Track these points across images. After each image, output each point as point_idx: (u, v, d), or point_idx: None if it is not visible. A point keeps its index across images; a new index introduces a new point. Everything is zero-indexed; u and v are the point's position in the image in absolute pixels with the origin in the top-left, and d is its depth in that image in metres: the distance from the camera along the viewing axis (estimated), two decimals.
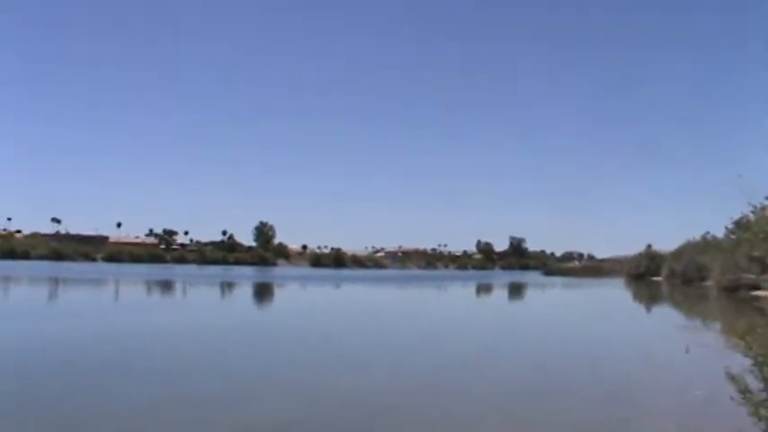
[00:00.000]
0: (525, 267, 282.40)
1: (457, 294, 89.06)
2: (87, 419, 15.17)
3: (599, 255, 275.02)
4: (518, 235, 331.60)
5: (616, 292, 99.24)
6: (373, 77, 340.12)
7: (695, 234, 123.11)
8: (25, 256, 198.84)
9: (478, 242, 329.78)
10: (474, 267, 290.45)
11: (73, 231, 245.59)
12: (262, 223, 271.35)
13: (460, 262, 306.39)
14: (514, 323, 47.31)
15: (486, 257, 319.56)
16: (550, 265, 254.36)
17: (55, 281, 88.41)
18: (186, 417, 15.77)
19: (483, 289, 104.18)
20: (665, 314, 59.90)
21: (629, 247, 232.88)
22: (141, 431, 14.40)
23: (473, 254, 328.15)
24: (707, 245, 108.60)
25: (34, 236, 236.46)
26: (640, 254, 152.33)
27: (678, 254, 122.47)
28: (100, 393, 18.12)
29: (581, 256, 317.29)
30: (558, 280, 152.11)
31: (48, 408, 16.20)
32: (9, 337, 29.98)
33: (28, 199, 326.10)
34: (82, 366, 22.50)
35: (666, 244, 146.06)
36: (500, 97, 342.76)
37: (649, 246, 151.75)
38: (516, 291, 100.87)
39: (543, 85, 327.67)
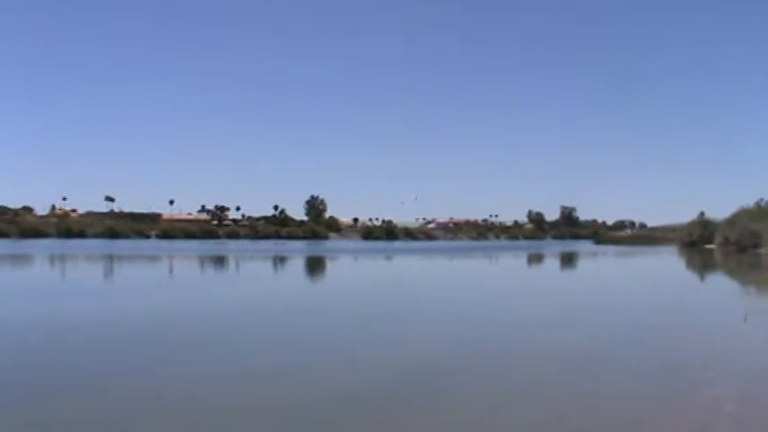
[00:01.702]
0: (576, 237, 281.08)
1: (508, 265, 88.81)
2: (150, 394, 15.41)
3: (651, 223, 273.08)
4: (569, 204, 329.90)
5: (669, 260, 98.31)
6: (428, 53, 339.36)
7: (749, 201, 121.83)
8: (81, 234, 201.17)
9: (529, 212, 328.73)
10: (525, 237, 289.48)
11: (126, 209, 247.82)
12: (313, 197, 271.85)
13: (511, 232, 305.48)
14: (567, 292, 47.07)
15: (537, 227, 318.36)
16: (602, 234, 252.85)
17: (112, 258, 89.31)
18: (265, 388, 15.97)
19: (534, 259, 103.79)
20: (720, 282, 59.39)
21: (682, 215, 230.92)
22: (209, 401, 14.59)
23: (524, 224, 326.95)
24: (761, 212, 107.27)
25: (89, 215, 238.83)
26: (693, 221, 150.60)
27: (732, 221, 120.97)
28: (160, 368, 18.35)
29: (632, 224, 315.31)
30: (609, 249, 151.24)
31: (113, 381, 16.46)
32: (76, 313, 30.40)
33: (82, 178, 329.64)
34: (142, 342, 22.75)
35: (720, 211, 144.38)
36: (553, 65, 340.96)
37: (702, 213, 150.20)
38: (568, 260, 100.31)
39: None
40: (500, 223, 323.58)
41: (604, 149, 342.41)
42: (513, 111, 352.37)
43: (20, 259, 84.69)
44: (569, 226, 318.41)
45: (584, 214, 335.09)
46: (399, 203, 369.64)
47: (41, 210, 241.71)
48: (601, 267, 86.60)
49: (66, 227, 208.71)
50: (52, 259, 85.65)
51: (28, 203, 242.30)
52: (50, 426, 12.96)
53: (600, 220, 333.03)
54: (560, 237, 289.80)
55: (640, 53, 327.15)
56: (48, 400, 14.74)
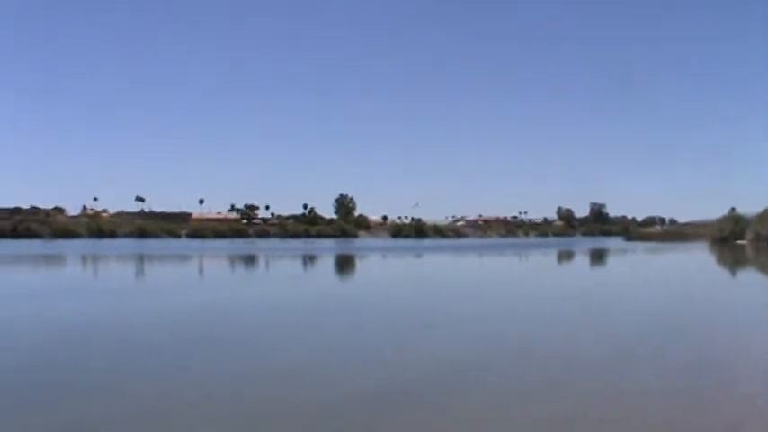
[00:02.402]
0: (606, 233, 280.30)
1: (538, 262, 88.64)
2: (178, 393, 15.55)
3: (681, 219, 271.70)
4: (599, 200, 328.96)
5: (699, 256, 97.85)
6: (457, 50, 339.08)
7: None
8: (112, 234, 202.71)
9: (559, 209, 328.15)
10: (555, 234, 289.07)
11: (157, 209, 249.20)
12: (342, 195, 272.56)
13: (541, 229, 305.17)
14: (597, 289, 46.95)
15: (566, 224, 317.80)
16: (632, 231, 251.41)
17: (143, 258, 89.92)
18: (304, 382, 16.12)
19: (564, 256, 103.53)
20: (752, 278, 59.07)
21: (712, 211, 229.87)
22: (236, 399, 14.71)
23: (553, 221, 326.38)
24: None
25: (120, 215, 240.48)
26: (724, 217, 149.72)
27: (764, 217, 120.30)
28: (189, 365, 18.50)
29: (662, 220, 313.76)
30: (639, 245, 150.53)
31: (142, 380, 16.61)
32: (109, 312, 30.67)
33: (113, 179, 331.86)
34: (173, 340, 22.94)
35: (751, 207, 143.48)
36: (585, 60, 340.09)
37: (733, 209, 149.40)
38: (597, 257, 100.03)
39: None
40: (529, 220, 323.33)
41: (633, 146, 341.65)
42: (542, 108, 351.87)
43: (53, 259, 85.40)
44: (599, 223, 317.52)
45: (613, 211, 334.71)
46: (412, 206, 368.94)
47: (73, 210, 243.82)
48: (631, 264, 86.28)
49: (97, 227, 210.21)
50: (84, 259, 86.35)
51: (59, 204, 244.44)
52: (82, 423, 13.14)
53: (630, 217, 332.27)
54: (590, 233, 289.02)
55: (660, 45, 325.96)
56: (76, 398, 14.94)
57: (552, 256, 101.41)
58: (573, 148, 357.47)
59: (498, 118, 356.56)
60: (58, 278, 57.27)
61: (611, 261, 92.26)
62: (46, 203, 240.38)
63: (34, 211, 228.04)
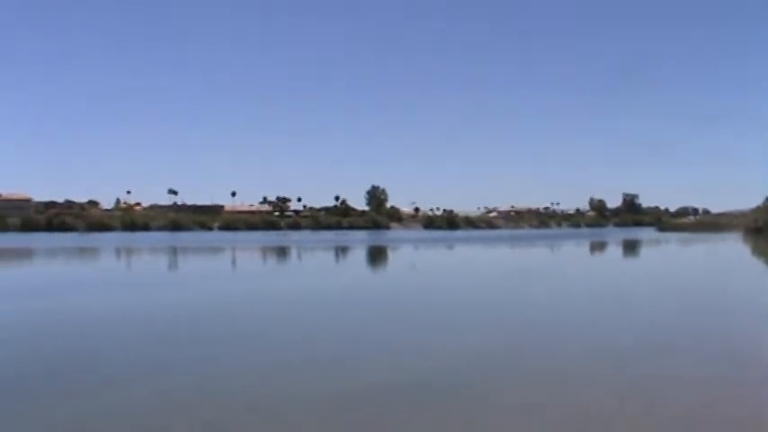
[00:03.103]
0: (639, 224, 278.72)
1: (570, 253, 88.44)
2: (210, 382, 15.79)
3: (714, 209, 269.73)
4: (631, 191, 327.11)
5: (733, 247, 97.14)
6: (486, 43, 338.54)
7: None
8: (145, 227, 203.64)
9: (591, 199, 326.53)
10: (587, 225, 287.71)
11: (189, 202, 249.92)
12: (374, 187, 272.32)
13: (573, 220, 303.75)
14: (629, 280, 46.90)
15: (599, 215, 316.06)
16: (665, 221, 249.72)
17: (176, 250, 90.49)
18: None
19: (596, 247, 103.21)
20: None
21: (747, 201, 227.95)
22: (268, 388, 14.93)
23: (586, 211, 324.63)
24: None
25: (153, 208, 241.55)
26: (758, 207, 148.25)
27: None
28: (221, 357, 18.76)
29: (696, 211, 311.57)
30: (672, 236, 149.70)
31: (174, 371, 16.88)
32: (146, 304, 31.03)
33: (146, 172, 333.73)
34: (204, 333, 23.19)
35: None
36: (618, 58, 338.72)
37: None
38: (630, 248, 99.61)
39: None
40: (562, 211, 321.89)
41: (663, 135, 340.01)
42: (574, 99, 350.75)
43: (87, 252, 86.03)
44: (631, 213, 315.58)
45: (646, 201, 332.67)
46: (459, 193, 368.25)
47: (107, 204, 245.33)
48: (664, 255, 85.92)
49: (130, 220, 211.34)
50: (118, 252, 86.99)
51: (94, 197, 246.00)
52: (115, 409, 13.42)
53: (662, 207, 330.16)
54: (622, 224, 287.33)
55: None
56: (114, 386, 15.24)
57: (585, 248, 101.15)
58: (605, 138, 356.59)
59: (530, 109, 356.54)
60: (92, 271, 57.82)
61: (644, 252, 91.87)
62: (80, 197, 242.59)
63: (69, 204, 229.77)
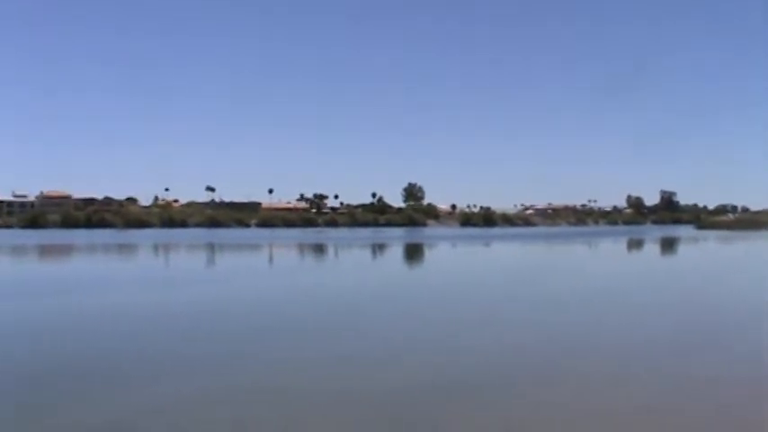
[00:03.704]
0: (677, 222, 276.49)
1: (608, 250, 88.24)
2: (260, 377, 16.11)
3: (754, 207, 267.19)
4: (669, 188, 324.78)
5: None
6: (528, 42, 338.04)
7: None
8: (183, 224, 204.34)
9: (629, 197, 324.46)
10: (624, 223, 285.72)
11: (227, 199, 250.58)
12: (410, 184, 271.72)
13: (611, 218, 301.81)
14: (667, 277, 46.86)
15: (636, 212, 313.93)
16: (703, 219, 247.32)
17: (215, 247, 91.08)
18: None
19: (634, 244, 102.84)
20: None
21: None
22: (316, 383, 15.24)
23: (623, 209, 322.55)
24: None
25: (191, 205, 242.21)
26: None
27: None
28: (261, 354, 19.10)
29: (735, 208, 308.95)
30: (711, 234, 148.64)
31: (218, 366, 17.23)
32: (189, 300, 31.46)
33: (184, 169, 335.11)
34: (243, 330, 23.51)
35: None
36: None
37: None
38: (668, 246, 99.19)
39: None
40: (599, 208, 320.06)
41: (705, 131, 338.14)
42: (609, 97, 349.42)
43: (127, 249, 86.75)
44: (669, 211, 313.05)
45: (684, 198, 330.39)
46: (496, 190, 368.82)
47: (145, 200, 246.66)
48: (702, 253, 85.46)
49: (168, 217, 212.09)
50: (157, 249, 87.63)
51: (132, 194, 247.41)
52: (167, 402, 13.78)
53: (701, 205, 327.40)
54: (660, 222, 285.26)
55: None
56: (159, 382, 15.61)
57: (622, 245, 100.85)
58: (641, 133, 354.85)
59: (567, 106, 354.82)
60: (131, 268, 58.45)
61: (682, 250, 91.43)
62: (119, 194, 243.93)
63: (108, 201, 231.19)
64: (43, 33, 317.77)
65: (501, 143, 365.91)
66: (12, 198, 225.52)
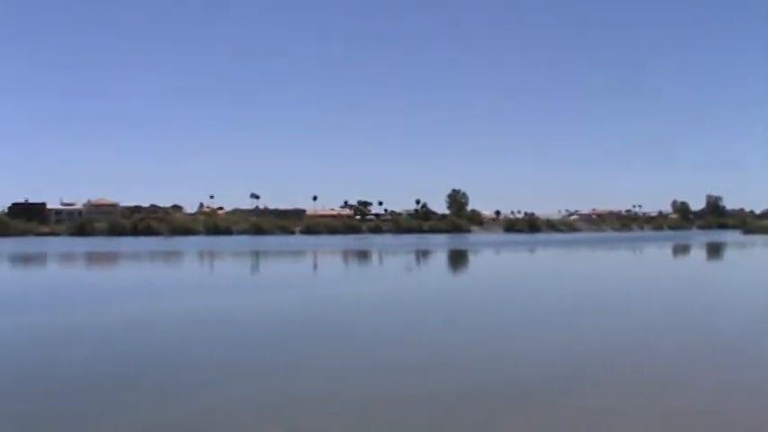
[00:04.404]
0: (723, 227, 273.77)
1: (653, 256, 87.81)
2: (301, 384, 16.41)
3: None
4: (715, 193, 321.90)
5: None
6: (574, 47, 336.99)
7: None
8: (228, 231, 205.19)
9: (674, 202, 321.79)
10: (670, 228, 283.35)
11: (271, 206, 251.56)
12: (454, 190, 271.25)
13: (656, 223, 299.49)
14: (714, 284, 46.72)
15: (682, 217, 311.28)
16: (750, 224, 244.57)
17: (260, 254, 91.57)
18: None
19: (680, 250, 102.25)
20: None
21: None
22: (364, 389, 15.50)
23: (668, 214, 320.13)
24: None
25: (235, 212, 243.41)
26: None
27: None
28: (311, 360, 19.36)
29: None
30: (758, 239, 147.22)
31: (268, 372, 17.53)
32: (237, 308, 31.82)
33: (229, 176, 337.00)
34: (291, 337, 23.84)
35: None
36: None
37: None
38: (714, 251, 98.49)
39: None
40: (644, 214, 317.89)
41: (749, 134, 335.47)
42: (655, 99, 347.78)
43: (173, 256, 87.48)
44: (715, 215, 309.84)
45: (730, 203, 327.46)
46: (541, 195, 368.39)
47: (190, 208, 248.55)
48: (751, 259, 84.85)
49: (213, 224, 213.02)
50: (204, 256, 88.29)
51: (177, 202, 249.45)
52: (214, 410, 14.08)
53: (747, 209, 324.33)
54: (706, 227, 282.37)
55: None
56: (211, 387, 15.92)
57: (668, 251, 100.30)
58: (687, 137, 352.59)
59: (613, 111, 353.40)
60: (178, 275, 59.08)
61: (728, 255, 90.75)
62: (165, 202, 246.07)
63: (153, 209, 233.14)
64: (89, 41, 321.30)
65: (545, 149, 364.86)
66: (60, 206, 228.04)
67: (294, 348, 21.23)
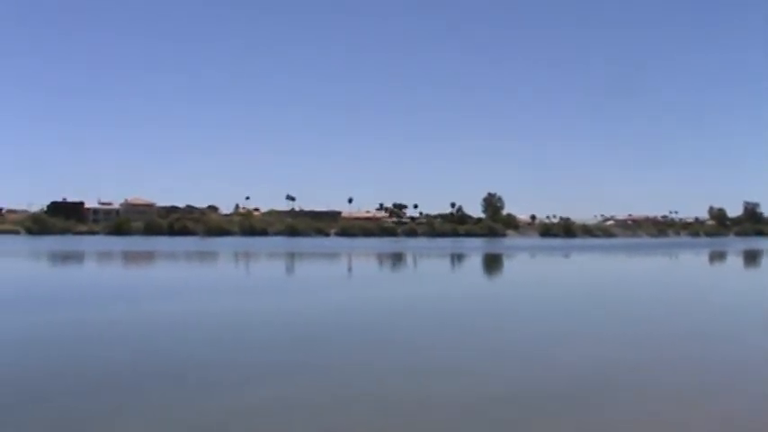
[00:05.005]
0: (761, 233, 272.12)
1: (689, 263, 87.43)
2: (339, 388, 16.53)
3: None
4: (752, 199, 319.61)
5: None
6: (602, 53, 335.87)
7: None
8: (263, 232, 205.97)
9: (711, 208, 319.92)
10: (706, 234, 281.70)
11: (307, 208, 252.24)
12: (490, 194, 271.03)
13: (692, 229, 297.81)
14: (751, 292, 46.52)
15: (719, 224, 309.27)
16: None
17: (295, 256, 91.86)
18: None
19: (716, 257, 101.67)
20: None
21: None
22: (399, 393, 15.59)
23: (705, 220, 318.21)
24: None
25: (271, 213, 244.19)
26: None
27: None
28: (350, 363, 19.50)
29: None
30: None
31: (308, 375, 17.66)
32: (270, 310, 32.02)
33: (265, 178, 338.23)
34: (328, 340, 23.90)
35: None
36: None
37: None
38: (751, 258, 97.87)
39: None
40: (680, 220, 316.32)
41: None
42: (693, 105, 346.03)
43: (208, 256, 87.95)
44: (753, 222, 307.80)
45: None
46: (576, 200, 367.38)
47: (226, 209, 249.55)
48: None
49: (249, 225, 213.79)
50: (241, 256, 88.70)
51: (213, 203, 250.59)
52: (243, 410, 14.24)
53: None
54: (744, 234, 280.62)
55: None
56: (244, 387, 16.09)
57: (704, 257, 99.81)
58: (724, 145, 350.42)
59: (647, 116, 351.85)
60: (215, 275, 59.49)
61: (765, 263, 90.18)
62: (201, 202, 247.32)
63: (190, 209, 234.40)
64: (134, 41, 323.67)
65: (583, 152, 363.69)
66: (97, 205, 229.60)
67: (330, 351, 21.28)
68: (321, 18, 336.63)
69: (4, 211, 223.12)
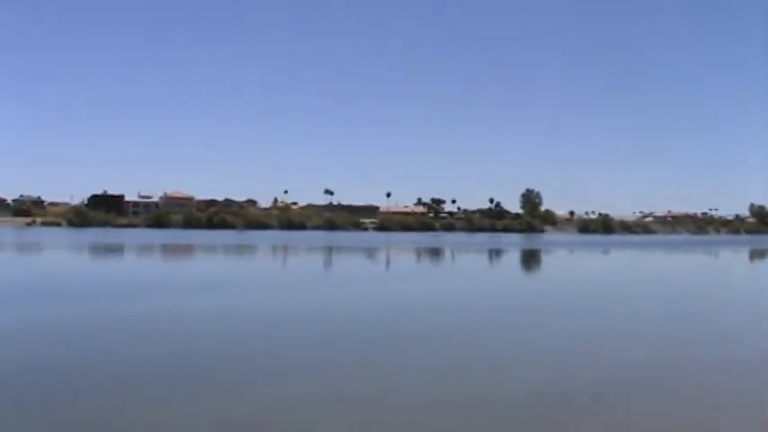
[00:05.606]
0: None
1: (731, 261, 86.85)
2: (374, 383, 16.62)
3: None
4: None
5: None
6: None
7: None
8: (301, 226, 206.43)
9: (751, 205, 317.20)
10: (747, 232, 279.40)
11: (345, 202, 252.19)
12: (528, 190, 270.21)
13: (732, 226, 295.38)
14: None
15: (759, 221, 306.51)
16: None
17: (334, 250, 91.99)
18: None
19: (757, 255, 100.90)
20: None
21: None
22: (438, 389, 15.65)
23: (746, 218, 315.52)
24: None
25: (309, 207, 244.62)
26: None
27: None
28: (386, 359, 19.56)
29: None
30: None
31: (346, 369, 17.77)
32: (312, 304, 32.18)
33: (303, 172, 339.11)
34: (364, 335, 24.11)
35: None
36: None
37: None
38: None
39: None
40: (720, 217, 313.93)
41: None
42: (737, 104, 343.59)
43: (247, 250, 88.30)
44: None
45: None
46: (615, 196, 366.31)
47: (264, 202, 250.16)
48: None
49: (287, 219, 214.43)
50: (280, 250, 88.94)
51: (252, 196, 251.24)
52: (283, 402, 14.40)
53: None
54: None
55: None
56: (278, 380, 16.26)
57: (744, 255, 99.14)
58: (763, 137, 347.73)
59: (689, 114, 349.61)
60: (254, 269, 59.75)
61: None
62: (239, 196, 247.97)
63: (228, 203, 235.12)
64: (169, 38, 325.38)
65: (619, 147, 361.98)
66: (137, 198, 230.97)
67: (372, 347, 21.39)
68: (364, 11, 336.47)
69: (46, 204, 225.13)
